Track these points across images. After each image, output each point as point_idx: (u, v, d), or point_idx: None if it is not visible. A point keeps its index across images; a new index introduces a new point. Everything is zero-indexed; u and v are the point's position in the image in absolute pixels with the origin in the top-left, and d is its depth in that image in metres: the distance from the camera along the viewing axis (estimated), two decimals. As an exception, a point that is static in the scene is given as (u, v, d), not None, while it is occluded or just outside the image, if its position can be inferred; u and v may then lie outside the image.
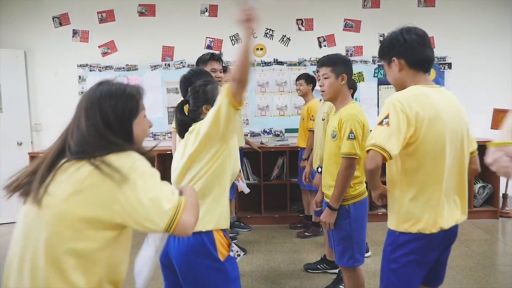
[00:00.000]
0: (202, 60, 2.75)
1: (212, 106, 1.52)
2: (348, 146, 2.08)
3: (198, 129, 1.54)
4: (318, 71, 2.47)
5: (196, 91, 1.67)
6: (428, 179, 1.52)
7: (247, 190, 3.79)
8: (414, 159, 1.52)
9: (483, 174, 2.94)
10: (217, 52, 4.48)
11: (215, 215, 1.54)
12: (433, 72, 4.74)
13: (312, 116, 3.85)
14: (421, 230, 1.52)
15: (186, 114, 1.70)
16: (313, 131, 3.79)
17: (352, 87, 3.16)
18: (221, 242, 1.53)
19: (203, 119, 1.57)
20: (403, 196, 1.56)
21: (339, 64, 2.19)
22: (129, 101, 1.14)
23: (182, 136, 1.68)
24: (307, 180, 3.24)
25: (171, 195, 1.09)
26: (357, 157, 2.10)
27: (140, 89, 1.20)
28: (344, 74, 2.18)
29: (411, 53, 1.58)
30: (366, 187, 2.23)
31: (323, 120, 2.86)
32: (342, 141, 2.11)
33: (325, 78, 2.21)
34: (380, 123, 1.49)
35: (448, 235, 1.58)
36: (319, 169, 2.68)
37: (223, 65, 3.60)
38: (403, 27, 1.63)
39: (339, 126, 2.14)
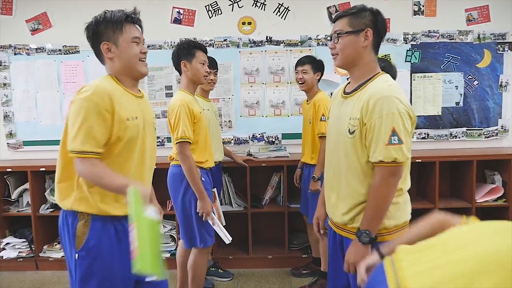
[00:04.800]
0: (113, 22, 1.52)
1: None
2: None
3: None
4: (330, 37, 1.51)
5: None
6: None
7: (227, 240, 2.52)
8: None
9: None
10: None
11: None
12: (488, 55, 3.42)
13: (323, 115, 2.66)
14: None
15: None
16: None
17: (388, 69, 1.92)
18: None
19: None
20: None
21: (362, 15, 1.51)
22: None
23: None
24: (322, 231, 1.85)
25: None
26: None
27: None
28: (369, 30, 1.50)
29: None
30: None
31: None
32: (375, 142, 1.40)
33: (339, 35, 1.53)
34: None
35: None
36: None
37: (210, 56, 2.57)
38: None
39: (363, 112, 1.45)
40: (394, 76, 2.13)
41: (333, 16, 1.61)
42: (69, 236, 1.49)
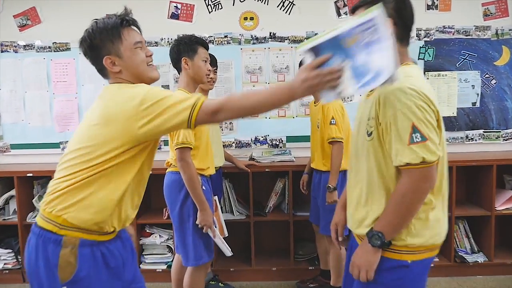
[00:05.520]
0: (108, 31, 1.34)
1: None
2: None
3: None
4: None
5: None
6: None
7: (228, 253, 2.34)
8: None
9: None
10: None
11: None
12: (506, 52, 3.21)
13: (333, 118, 2.44)
14: None
15: None
16: (340, 141, 2.47)
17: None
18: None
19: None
20: None
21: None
22: None
23: None
24: (340, 239, 1.65)
25: None
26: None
27: None
28: (391, 19, 1.24)
29: None
30: None
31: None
32: (395, 143, 1.22)
33: None
34: None
35: None
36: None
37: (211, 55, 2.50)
38: None
39: (376, 110, 1.25)
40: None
41: (341, 11, 1.42)
42: (47, 267, 1.24)
